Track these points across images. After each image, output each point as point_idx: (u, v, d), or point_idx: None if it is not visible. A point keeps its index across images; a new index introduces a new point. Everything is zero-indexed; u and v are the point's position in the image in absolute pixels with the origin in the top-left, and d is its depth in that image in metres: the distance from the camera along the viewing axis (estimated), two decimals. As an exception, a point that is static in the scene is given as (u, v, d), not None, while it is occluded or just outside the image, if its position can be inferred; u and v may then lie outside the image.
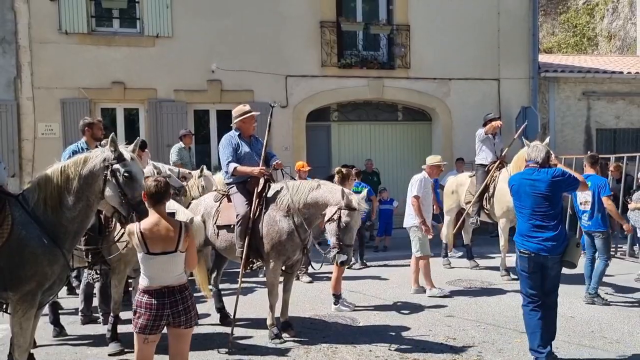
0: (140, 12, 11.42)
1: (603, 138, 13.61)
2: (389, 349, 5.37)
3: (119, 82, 11.18)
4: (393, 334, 5.89)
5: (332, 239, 5.37)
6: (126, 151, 4.36)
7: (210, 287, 6.50)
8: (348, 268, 7.70)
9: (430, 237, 7.53)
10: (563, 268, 4.94)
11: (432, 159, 7.81)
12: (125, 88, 11.24)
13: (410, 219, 7.53)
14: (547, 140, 8.24)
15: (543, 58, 15.70)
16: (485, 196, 8.75)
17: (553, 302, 4.99)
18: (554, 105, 13.67)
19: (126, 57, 11.24)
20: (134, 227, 3.73)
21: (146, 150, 9.81)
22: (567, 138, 13.52)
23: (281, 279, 5.88)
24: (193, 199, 7.54)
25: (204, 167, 8.41)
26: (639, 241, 8.61)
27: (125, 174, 4.22)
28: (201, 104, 11.81)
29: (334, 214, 5.20)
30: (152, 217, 3.75)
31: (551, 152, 5.19)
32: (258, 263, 5.75)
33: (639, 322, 6.12)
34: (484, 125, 9.13)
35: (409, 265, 9.43)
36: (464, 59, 12.79)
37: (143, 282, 3.70)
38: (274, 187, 5.73)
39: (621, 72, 13.98)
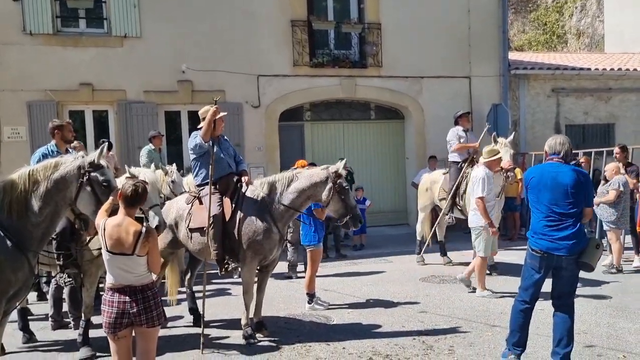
0: (107, 12, 11.22)
1: (572, 134, 13.81)
2: (362, 346, 5.37)
3: (87, 83, 10.98)
4: (366, 331, 5.89)
5: (338, 211, 5.60)
6: (102, 159, 4.35)
7: (185, 288, 6.43)
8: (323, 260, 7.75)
9: (496, 237, 7.48)
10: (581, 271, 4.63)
11: (490, 153, 7.23)
12: (93, 90, 11.04)
13: (476, 219, 7.26)
14: (511, 137, 8.38)
15: (513, 56, 15.93)
16: (458, 192, 8.81)
17: (567, 306, 4.61)
18: (524, 102, 13.86)
19: (94, 58, 11.04)
20: (101, 221, 3.80)
21: (111, 153, 9.67)
22: (537, 134, 13.71)
23: (256, 278, 5.84)
24: (167, 198, 7.43)
25: (174, 165, 8.28)
26: (605, 235, 8.77)
27: (104, 183, 4.25)
28: (172, 105, 11.66)
29: (329, 189, 5.47)
30: (119, 217, 3.79)
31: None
32: (233, 265, 5.68)
33: (606, 313, 6.23)
34: (455, 123, 9.21)
35: (383, 262, 9.54)
36: (436, 57, 12.88)
37: (108, 279, 3.79)
38: (249, 186, 5.69)
39: (589, 69, 14.24)
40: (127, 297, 3.68)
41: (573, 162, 6.23)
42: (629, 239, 8.82)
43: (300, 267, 8.67)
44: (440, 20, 12.87)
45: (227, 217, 5.54)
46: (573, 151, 4.95)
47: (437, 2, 12.86)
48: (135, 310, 3.67)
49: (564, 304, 4.61)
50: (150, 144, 9.77)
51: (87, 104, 11.25)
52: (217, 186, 5.71)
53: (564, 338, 4.53)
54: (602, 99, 14.38)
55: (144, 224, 3.81)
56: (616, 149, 9.05)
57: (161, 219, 4.66)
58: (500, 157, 7.45)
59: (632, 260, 8.61)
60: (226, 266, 5.64)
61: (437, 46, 12.87)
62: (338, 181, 5.49)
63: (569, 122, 14.07)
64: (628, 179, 8.56)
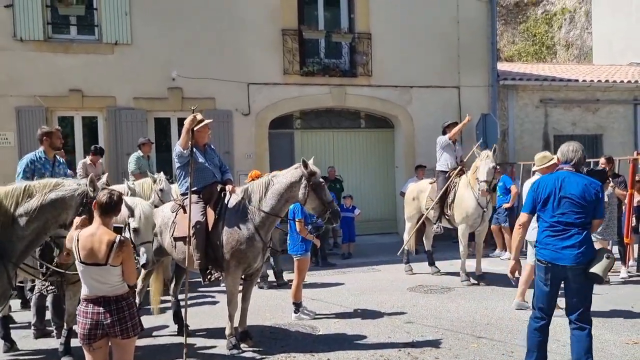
0: (98, 19, 11.22)
1: (560, 144, 13.71)
2: (347, 357, 5.36)
3: (76, 89, 10.95)
4: (352, 341, 5.88)
5: (316, 208, 5.56)
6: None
7: (170, 297, 6.41)
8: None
9: None
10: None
11: (544, 159, 6.49)
12: (83, 96, 11.01)
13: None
14: (493, 149, 8.40)
15: (502, 66, 16.06)
16: (446, 202, 8.85)
17: (582, 323, 4.33)
18: (513, 113, 13.97)
19: (84, 65, 11.02)
20: (73, 233, 3.78)
21: (100, 160, 9.63)
22: (525, 144, 13.81)
23: (240, 287, 5.82)
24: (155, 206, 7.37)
25: (162, 173, 8.15)
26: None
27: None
28: (162, 112, 11.65)
29: (304, 187, 5.46)
30: (93, 227, 3.77)
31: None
32: (216, 274, 5.66)
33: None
34: (443, 132, 9.25)
35: (371, 271, 9.55)
36: (425, 67, 12.97)
37: (83, 290, 3.76)
38: (232, 195, 5.69)
39: (577, 80, 14.37)
40: (101, 308, 3.65)
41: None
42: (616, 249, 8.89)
43: (272, 277, 8.83)
44: (430, 31, 12.96)
45: (210, 226, 5.52)
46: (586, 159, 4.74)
47: (427, 12, 12.95)
48: (109, 321, 3.64)
49: (577, 321, 4.35)
50: (139, 151, 9.74)
51: (77, 110, 11.21)
52: (201, 195, 5.71)
53: (581, 359, 4.28)
54: (590, 110, 14.52)
55: (122, 235, 3.78)
56: (602, 160, 9.13)
57: (150, 257, 4.63)
58: (555, 162, 6.97)
59: (619, 272, 8.66)
60: (209, 276, 5.62)
61: (427, 56, 12.96)
62: (312, 178, 5.47)
63: (557, 132, 14.18)
64: (616, 190, 8.64)
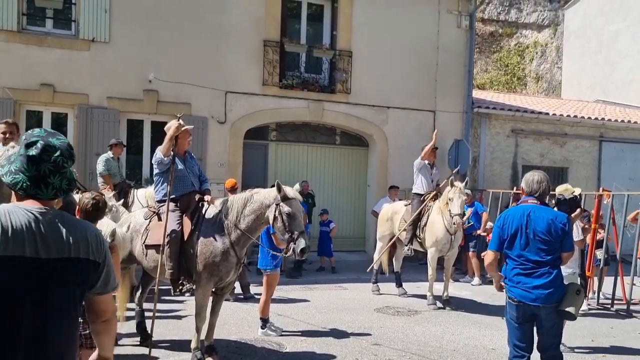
0: (75, 14, 10.97)
1: (528, 174, 14.22)
2: (315, 377, 5.29)
3: (48, 84, 10.65)
4: (319, 361, 5.81)
5: (283, 237, 5.25)
6: None
7: (134, 305, 6.21)
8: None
9: None
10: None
11: (566, 192, 6.26)
12: (54, 91, 10.71)
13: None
14: (466, 181, 8.52)
15: (476, 94, 16.37)
16: (419, 225, 8.89)
17: (553, 358, 4.29)
18: (485, 140, 14.23)
19: (58, 59, 10.73)
20: None
21: None
22: (495, 172, 14.07)
23: (210, 300, 5.68)
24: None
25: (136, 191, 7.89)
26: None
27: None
28: (135, 113, 11.42)
29: (275, 211, 5.16)
30: None
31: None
32: (188, 285, 5.51)
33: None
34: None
35: (338, 288, 9.51)
36: (403, 89, 13.11)
37: None
38: (210, 205, 5.56)
39: (547, 114, 14.76)
40: None
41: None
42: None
43: (238, 289, 8.59)
44: (410, 54, 13.13)
45: (186, 236, 5.39)
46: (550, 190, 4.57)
47: (408, 36, 13.13)
48: (87, 332, 3.46)
49: (550, 357, 4.28)
50: (110, 152, 9.47)
51: (47, 105, 10.89)
52: (178, 203, 5.57)
53: None
54: (558, 143, 14.91)
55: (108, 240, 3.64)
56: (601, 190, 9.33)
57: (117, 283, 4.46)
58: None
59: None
60: (180, 286, 5.47)
61: (406, 78, 13.11)
62: (284, 203, 5.15)
63: (525, 162, 14.50)
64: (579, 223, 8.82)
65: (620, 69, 20.71)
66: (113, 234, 4.71)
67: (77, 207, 3.66)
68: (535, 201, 4.33)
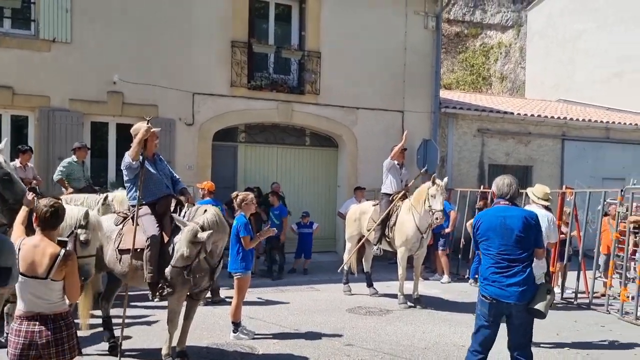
0: (35, 14, 10.64)
1: (494, 173, 14.35)
2: (288, 381, 5.25)
3: (6, 86, 10.29)
4: (292, 364, 5.79)
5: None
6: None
7: (97, 312, 6.06)
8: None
9: None
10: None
11: (546, 195, 6.58)
12: (14, 93, 10.36)
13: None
14: (445, 179, 8.62)
15: (443, 94, 16.57)
16: (388, 225, 8.94)
17: (523, 357, 4.46)
18: (452, 140, 14.42)
19: (17, 60, 10.37)
20: (17, 240, 3.49)
21: (30, 164, 9.05)
22: (462, 172, 14.27)
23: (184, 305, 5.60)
24: None
25: (108, 195, 7.62)
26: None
27: (5, 177, 3.86)
28: (100, 115, 11.16)
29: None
30: (37, 237, 3.50)
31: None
32: (168, 289, 5.38)
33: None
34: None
35: (310, 290, 9.51)
36: (372, 89, 13.17)
37: (19, 306, 3.48)
38: (187, 210, 5.46)
39: (512, 113, 15.05)
40: (36, 326, 3.36)
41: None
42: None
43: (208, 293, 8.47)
44: (378, 55, 13.20)
45: (166, 239, 5.29)
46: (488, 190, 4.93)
47: (376, 37, 13.20)
48: (44, 341, 3.35)
49: (519, 356, 4.45)
50: (73, 156, 9.23)
51: (6, 108, 10.53)
52: (156, 207, 5.47)
53: None
54: (523, 142, 15.22)
55: (66, 248, 3.53)
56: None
57: (92, 272, 4.37)
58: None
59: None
60: (160, 290, 5.34)
61: (374, 79, 13.18)
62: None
63: (492, 162, 14.75)
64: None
65: (583, 69, 21.28)
66: (87, 215, 4.59)
67: (35, 215, 3.52)
68: (507, 202, 4.56)
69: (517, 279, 4.33)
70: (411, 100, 13.60)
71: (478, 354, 4.51)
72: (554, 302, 8.93)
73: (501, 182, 4.64)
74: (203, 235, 4.95)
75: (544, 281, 5.32)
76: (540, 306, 4.32)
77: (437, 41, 13.99)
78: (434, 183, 8.23)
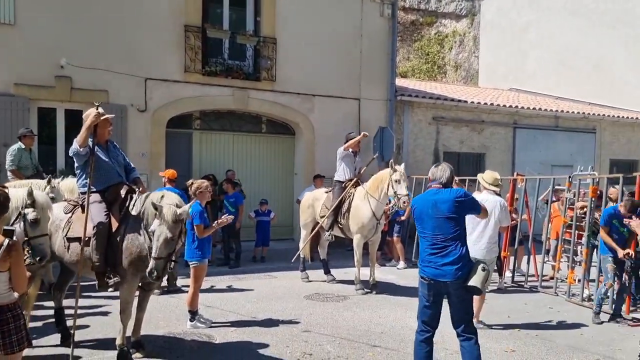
0: (-24, -6, 10.13)
1: (449, 160, 14.55)
2: (245, 368, 5.24)
3: (-54, 69, 9.81)
4: (250, 350, 5.77)
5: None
6: None
7: (52, 303, 5.89)
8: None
9: None
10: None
11: (496, 180, 6.80)
12: (-46, 77, 9.89)
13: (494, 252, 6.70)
14: (403, 165, 8.72)
15: (399, 82, 16.75)
16: (340, 211, 8.99)
17: (469, 335, 4.55)
18: (408, 128, 14.59)
19: (-43, 43, 9.90)
20: None
21: None
22: (418, 159, 14.48)
23: (137, 293, 5.48)
24: None
25: (51, 176, 7.39)
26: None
27: None
28: (47, 101, 10.76)
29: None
30: None
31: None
32: (115, 279, 5.25)
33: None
34: (346, 142, 9.41)
35: (267, 277, 9.49)
36: (328, 77, 13.16)
37: None
38: (137, 198, 5.31)
39: (466, 101, 15.33)
40: None
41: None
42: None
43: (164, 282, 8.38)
44: (334, 42, 13.19)
45: (114, 228, 5.15)
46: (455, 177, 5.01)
47: (332, 24, 13.17)
48: None
49: (464, 332, 4.56)
50: (20, 143, 8.87)
51: (-55, 92, 10.03)
52: (105, 195, 5.32)
53: None
54: (476, 130, 15.55)
55: (13, 238, 3.39)
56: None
57: (47, 251, 4.21)
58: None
59: (497, 282, 9.31)
60: (107, 280, 5.21)
61: (330, 66, 13.17)
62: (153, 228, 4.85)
63: (446, 149, 15.02)
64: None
65: (532, 59, 21.90)
66: (30, 193, 4.42)
67: None
68: (439, 185, 4.72)
69: (451, 258, 4.49)
70: (367, 87, 13.67)
71: (424, 333, 4.66)
72: (506, 285, 9.32)
73: (435, 169, 4.82)
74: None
75: (495, 263, 5.45)
76: (475, 282, 4.46)
77: (392, 29, 14.07)
78: (393, 169, 8.30)
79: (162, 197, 5.11)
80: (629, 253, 7.13)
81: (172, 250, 4.85)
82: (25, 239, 4.24)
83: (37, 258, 4.12)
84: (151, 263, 4.79)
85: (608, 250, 7.34)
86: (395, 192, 8.23)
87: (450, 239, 4.53)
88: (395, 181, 8.23)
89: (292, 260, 9.55)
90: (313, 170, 12.66)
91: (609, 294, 7.57)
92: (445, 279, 4.49)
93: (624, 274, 7.30)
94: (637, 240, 7.32)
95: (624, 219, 6.60)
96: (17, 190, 4.55)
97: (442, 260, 4.50)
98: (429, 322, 4.66)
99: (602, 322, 7.23)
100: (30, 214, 4.06)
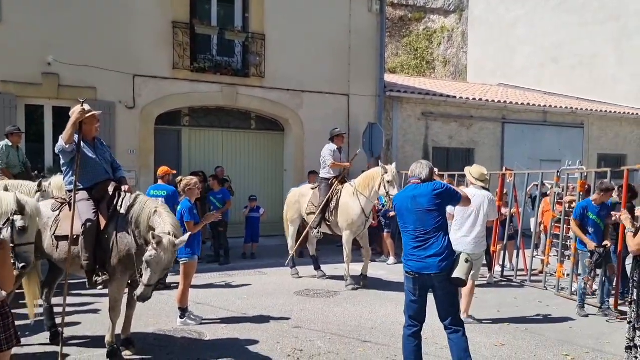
0: (-39, -10, 10.01)
1: (438, 156, 14.85)
2: (236, 364, 5.25)
3: None
4: (241, 347, 5.77)
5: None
6: None
7: (41, 302, 5.85)
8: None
9: None
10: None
11: (483, 175, 6.90)
12: (-61, 74, 9.76)
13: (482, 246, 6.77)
14: (394, 165, 8.73)
15: (388, 78, 16.76)
16: (328, 209, 9.01)
17: (456, 327, 4.58)
18: (397, 123, 14.62)
19: (-58, 39, 9.77)
20: None
21: None
22: (407, 154, 14.51)
23: (126, 293, 5.46)
24: None
25: (42, 181, 7.28)
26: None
27: None
28: (35, 98, 10.66)
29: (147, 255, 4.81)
30: None
31: (434, 168, 5.06)
32: (104, 277, 5.22)
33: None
34: (331, 139, 9.41)
35: (257, 274, 9.48)
36: (317, 73, 13.15)
37: None
38: (125, 197, 5.29)
39: (454, 97, 15.39)
40: None
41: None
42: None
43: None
44: (323, 38, 13.17)
45: (102, 226, 5.12)
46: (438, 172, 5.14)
47: (321, 20, 13.15)
48: None
49: (451, 325, 4.59)
50: (7, 140, 8.78)
51: None
52: (93, 193, 5.29)
53: (462, 358, 4.52)
54: (465, 125, 15.62)
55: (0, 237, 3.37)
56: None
57: (31, 259, 4.19)
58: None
59: (486, 277, 9.37)
60: (96, 278, 5.18)
61: (319, 62, 13.15)
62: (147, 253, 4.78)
63: (435, 144, 15.07)
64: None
65: (521, 54, 22.01)
66: (17, 201, 4.37)
67: None
68: (418, 180, 4.80)
69: (434, 250, 4.54)
70: (356, 83, 13.67)
71: (412, 328, 4.70)
72: (496, 280, 9.38)
73: (415, 166, 4.90)
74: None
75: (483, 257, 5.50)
76: (459, 273, 4.52)
77: (381, 24, 14.08)
78: (384, 169, 8.29)
79: (155, 211, 5.06)
80: (606, 245, 7.20)
81: (164, 276, 4.85)
82: (11, 245, 4.19)
83: (21, 265, 4.07)
84: (140, 288, 4.78)
85: (584, 245, 7.39)
86: (387, 193, 8.26)
87: (431, 231, 4.59)
88: (388, 182, 8.26)
89: (286, 264, 9.53)
90: (302, 166, 12.66)
91: (595, 287, 7.65)
92: (429, 272, 4.53)
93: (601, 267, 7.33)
94: (610, 233, 7.43)
95: (614, 213, 6.56)
96: (5, 194, 4.50)
97: (426, 253, 4.55)
98: (415, 316, 4.70)
99: (587, 315, 7.31)
100: (19, 221, 4.01)
